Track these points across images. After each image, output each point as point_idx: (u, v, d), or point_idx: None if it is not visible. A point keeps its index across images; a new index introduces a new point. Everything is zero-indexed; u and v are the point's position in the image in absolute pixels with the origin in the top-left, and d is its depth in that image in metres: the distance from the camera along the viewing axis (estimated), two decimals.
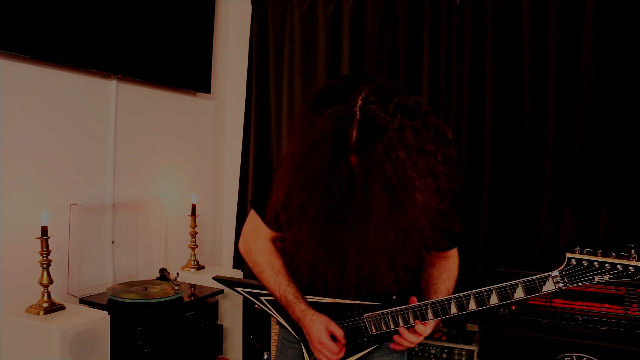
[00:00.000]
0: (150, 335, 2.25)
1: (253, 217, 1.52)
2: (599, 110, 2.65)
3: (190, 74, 3.09)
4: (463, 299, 1.27)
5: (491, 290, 1.25)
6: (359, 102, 1.12)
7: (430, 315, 1.32)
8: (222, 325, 2.78)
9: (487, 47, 2.83)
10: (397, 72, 3.00)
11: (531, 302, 2.43)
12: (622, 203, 2.61)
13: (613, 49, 2.60)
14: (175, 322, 2.37)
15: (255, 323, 2.94)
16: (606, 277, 1.17)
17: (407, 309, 1.34)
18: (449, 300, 1.29)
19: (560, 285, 1.20)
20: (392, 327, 1.37)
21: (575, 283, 1.19)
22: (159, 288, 2.46)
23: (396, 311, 1.35)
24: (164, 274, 2.61)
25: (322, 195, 1.15)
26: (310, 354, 1.46)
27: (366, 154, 1.10)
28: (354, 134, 1.11)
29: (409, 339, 1.33)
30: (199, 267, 2.99)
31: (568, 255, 1.19)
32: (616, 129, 2.62)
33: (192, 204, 2.96)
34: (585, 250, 1.19)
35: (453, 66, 2.91)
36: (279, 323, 1.55)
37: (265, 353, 2.88)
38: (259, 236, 1.51)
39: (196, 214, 2.97)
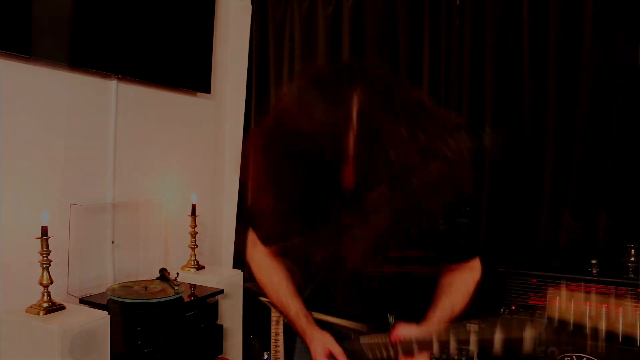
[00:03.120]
0: (150, 335, 2.25)
1: (251, 232, 1.48)
2: (598, 110, 2.64)
3: (191, 73, 3.09)
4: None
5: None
6: (354, 104, 1.04)
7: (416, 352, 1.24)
8: (222, 325, 2.78)
9: (488, 47, 2.83)
10: (397, 72, 3.00)
11: (531, 302, 2.43)
12: (621, 203, 2.60)
13: (612, 49, 2.60)
14: (175, 322, 2.37)
15: (256, 323, 2.94)
16: None
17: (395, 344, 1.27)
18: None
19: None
20: (385, 356, 1.30)
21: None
22: (159, 288, 2.46)
23: (387, 343, 1.29)
24: (164, 274, 2.61)
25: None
26: None
27: (363, 158, 1.04)
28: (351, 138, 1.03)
29: None
30: (199, 267, 2.99)
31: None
32: (615, 129, 2.62)
33: (192, 204, 2.96)
34: None
35: (453, 66, 2.91)
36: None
37: (265, 353, 2.88)
38: (256, 251, 1.47)
39: (196, 214, 2.97)
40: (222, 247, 3.52)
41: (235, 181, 3.42)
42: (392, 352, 1.28)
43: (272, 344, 2.59)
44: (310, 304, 1.42)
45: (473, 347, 1.15)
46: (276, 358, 2.58)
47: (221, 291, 2.68)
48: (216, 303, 2.69)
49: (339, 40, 3.12)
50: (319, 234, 1.17)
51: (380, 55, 3.03)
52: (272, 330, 2.59)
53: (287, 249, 1.39)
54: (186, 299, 2.47)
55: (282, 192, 1.12)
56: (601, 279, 2.32)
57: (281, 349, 2.58)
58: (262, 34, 3.31)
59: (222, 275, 2.93)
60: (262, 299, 1.55)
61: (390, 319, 1.35)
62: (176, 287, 2.39)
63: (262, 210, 1.22)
